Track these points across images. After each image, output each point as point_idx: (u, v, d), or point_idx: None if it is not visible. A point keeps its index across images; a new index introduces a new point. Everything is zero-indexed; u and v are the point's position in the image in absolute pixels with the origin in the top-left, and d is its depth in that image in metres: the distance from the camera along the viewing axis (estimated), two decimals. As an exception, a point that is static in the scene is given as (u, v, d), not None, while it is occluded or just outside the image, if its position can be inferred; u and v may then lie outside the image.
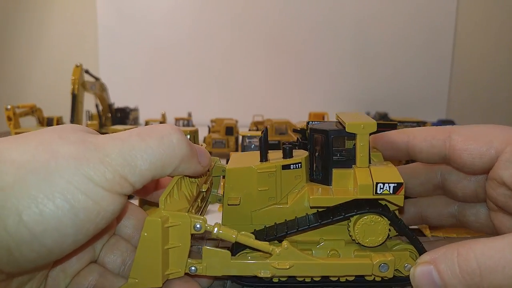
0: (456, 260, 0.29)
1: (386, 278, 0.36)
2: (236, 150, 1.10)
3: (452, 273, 0.29)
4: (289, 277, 0.37)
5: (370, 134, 0.36)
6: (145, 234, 0.31)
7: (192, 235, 0.33)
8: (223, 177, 0.43)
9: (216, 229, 0.34)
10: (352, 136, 0.36)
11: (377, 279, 0.36)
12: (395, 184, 0.34)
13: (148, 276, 0.32)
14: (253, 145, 0.80)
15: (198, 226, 0.33)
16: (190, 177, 0.38)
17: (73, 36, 2.21)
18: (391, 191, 0.34)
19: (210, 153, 1.15)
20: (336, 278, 0.37)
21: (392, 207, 0.37)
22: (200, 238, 0.51)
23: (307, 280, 0.37)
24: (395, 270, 0.36)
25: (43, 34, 2.19)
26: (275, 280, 0.37)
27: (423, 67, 2.17)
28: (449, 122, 1.70)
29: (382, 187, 0.34)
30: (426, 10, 2.13)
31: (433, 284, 0.30)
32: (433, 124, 1.62)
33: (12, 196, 0.25)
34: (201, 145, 0.41)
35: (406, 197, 0.49)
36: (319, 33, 2.17)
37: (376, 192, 0.34)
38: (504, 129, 0.36)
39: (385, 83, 2.18)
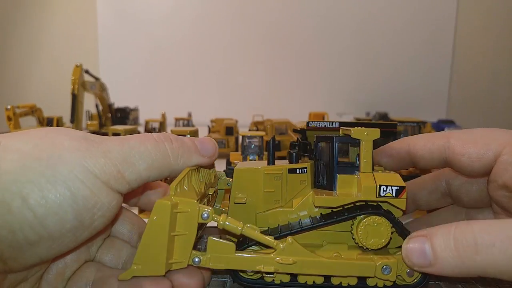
0: (453, 233, 0.29)
1: (388, 285, 0.36)
2: (236, 150, 1.10)
3: (446, 246, 0.29)
4: (291, 280, 0.37)
5: (374, 140, 0.36)
6: (154, 218, 0.31)
7: (199, 224, 0.33)
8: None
9: (222, 220, 0.34)
10: (356, 143, 0.37)
11: (379, 285, 0.36)
12: (398, 188, 0.35)
13: (152, 263, 0.32)
14: (253, 145, 0.80)
15: (205, 215, 0.33)
16: (203, 168, 0.39)
17: (73, 36, 2.21)
18: (393, 194, 0.35)
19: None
20: (338, 282, 0.36)
21: (396, 213, 0.37)
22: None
23: (309, 283, 0.37)
24: (397, 276, 0.35)
25: (43, 34, 2.18)
26: (277, 282, 0.37)
27: (423, 67, 2.17)
28: (449, 122, 1.70)
29: (385, 189, 0.35)
30: (426, 10, 2.13)
31: (423, 256, 0.30)
32: (433, 124, 1.62)
33: (17, 181, 0.27)
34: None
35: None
36: (319, 33, 2.17)
37: (379, 195, 0.35)
38: (502, 132, 0.37)
39: (385, 83, 2.18)
